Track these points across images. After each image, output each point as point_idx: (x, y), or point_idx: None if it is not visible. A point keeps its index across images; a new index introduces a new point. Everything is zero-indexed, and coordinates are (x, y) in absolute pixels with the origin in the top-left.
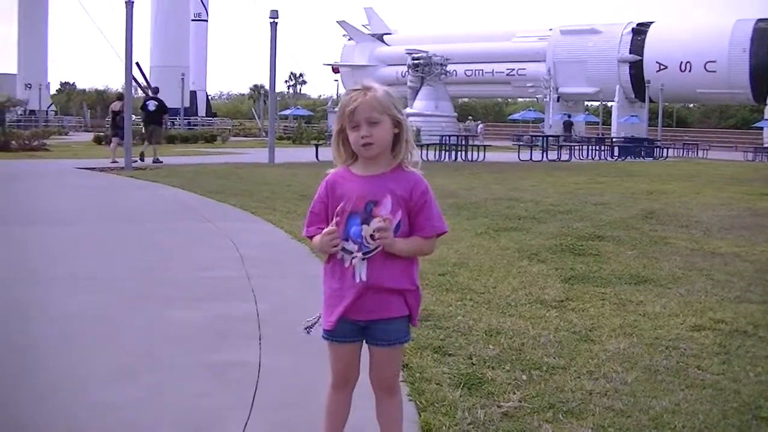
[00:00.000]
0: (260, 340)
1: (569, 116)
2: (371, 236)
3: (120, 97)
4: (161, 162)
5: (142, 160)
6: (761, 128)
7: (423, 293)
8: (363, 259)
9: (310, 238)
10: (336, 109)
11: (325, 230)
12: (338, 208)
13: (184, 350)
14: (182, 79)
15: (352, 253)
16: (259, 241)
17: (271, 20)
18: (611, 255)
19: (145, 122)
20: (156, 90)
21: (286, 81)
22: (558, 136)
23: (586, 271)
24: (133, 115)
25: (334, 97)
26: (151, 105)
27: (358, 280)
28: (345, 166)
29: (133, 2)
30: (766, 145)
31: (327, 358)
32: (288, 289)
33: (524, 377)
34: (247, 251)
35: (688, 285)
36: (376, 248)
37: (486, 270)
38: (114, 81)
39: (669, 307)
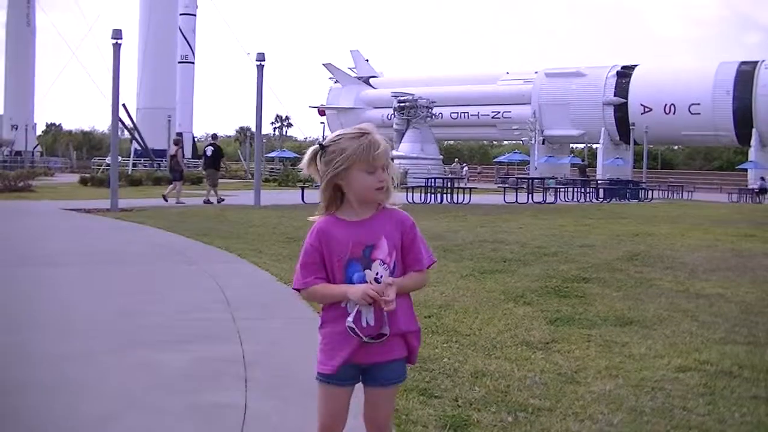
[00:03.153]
0: (246, 382)
1: (583, 160)
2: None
3: (176, 142)
4: (223, 200)
5: (206, 202)
6: (745, 170)
7: None
8: (369, 305)
9: (301, 289)
10: (331, 152)
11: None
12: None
13: (170, 393)
14: (169, 121)
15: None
16: (245, 284)
17: (258, 63)
18: (597, 297)
19: (205, 166)
20: (214, 136)
21: (272, 123)
22: (543, 179)
23: (572, 313)
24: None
25: (320, 139)
26: (209, 150)
27: (365, 325)
28: (331, 213)
29: (120, 44)
30: (750, 187)
31: (313, 401)
32: (274, 331)
33: (510, 419)
34: (233, 293)
35: (673, 326)
36: None
37: (472, 312)
38: (100, 122)
39: (654, 348)
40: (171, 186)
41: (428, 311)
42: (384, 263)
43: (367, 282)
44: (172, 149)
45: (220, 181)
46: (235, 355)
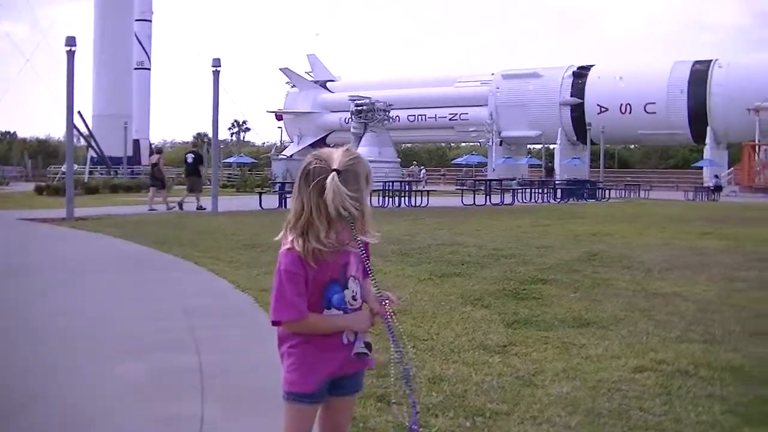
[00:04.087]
0: (203, 393)
1: (549, 163)
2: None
3: (158, 150)
4: (204, 209)
5: (180, 208)
6: (701, 168)
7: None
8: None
9: (294, 321)
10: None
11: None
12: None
13: (126, 404)
14: (125, 127)
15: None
16: (202, 292)
17: (214, 68)
18: (554, 298)
19: (186, 173)
20: (195, 144)
21: (229, 128)
22: (501, 180)
23: (529, 315)
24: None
25: (278, 144)
26: (190, 158)
27: (345, 342)
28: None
29: (74, 51)
30: (705, 185)
31: (270, 412)
32: (231, 340)
33: (468, 424)
34: (190, 302)
35: (630, 326)
36: (357, 307)
37: (429, 316)
38: (56, 130)
39: (611, 349)
40: (159, 196)
41: None
42: (356, 278)
43: (345, 302)
44: (154, 157)
45: (178, 187)
46: (192, 365)
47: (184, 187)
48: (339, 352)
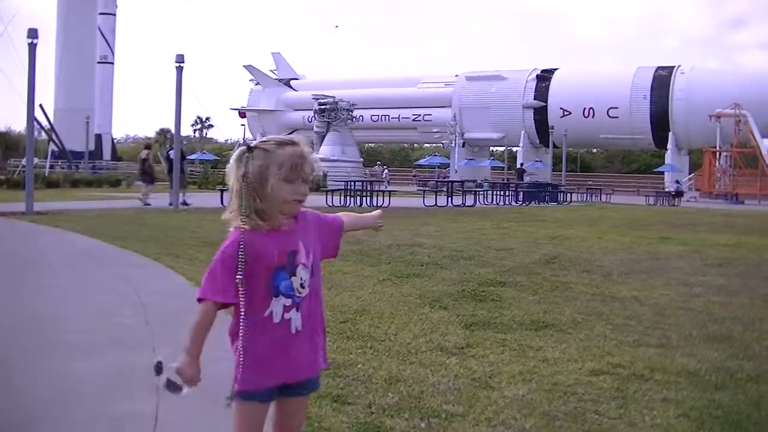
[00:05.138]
0: (158, 391)
1: (522, 164)
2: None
3: (147, 146)
4: (189, 204)
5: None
6: (662, 173)
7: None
8: (297, 311)
9: (204, 299)
10: (256, 155)
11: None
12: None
13: (80, 401)
14: (87, 122)
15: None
16: (161, 289)
17: (177, 64)
18: (512, 301)
19: (168, 169)
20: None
21: (192, 125)
22: (463, 181)
23: (487, 318)
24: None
25: (241, 141)
26: (172, 153)
27: (294, 331)
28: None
29: (35, 44)
30: (667, 190)
31: (222, 408)
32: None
33: (423, 425)
34: (148, 299)
35: (588, 330)
36: (306, 295)
37: (387, 317)
38: (17, 123)
39: (568, 352)
40: (148, 190)
41: (344, 316)
42: (306, 267)
43: (294, 289)
44: (143, 153)
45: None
46: (148, 363)
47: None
48: (284, 343)
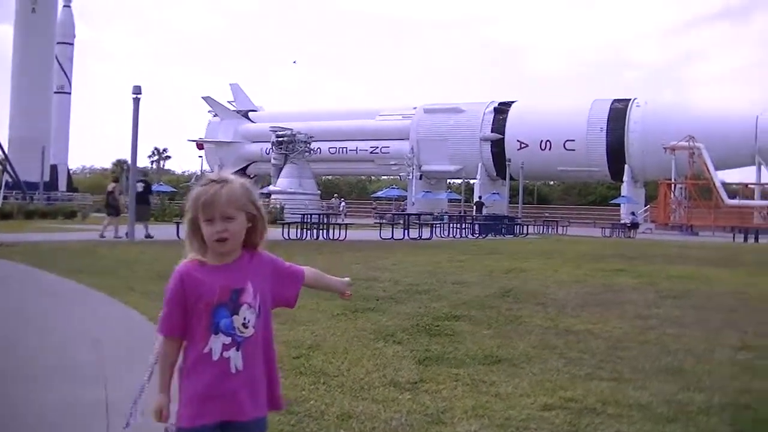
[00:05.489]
0: (108, 429)
1: (480, 197)
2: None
3: (115, 179)
4: (152, 237)
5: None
6: (618, 205)
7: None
8: (237, 350)
9: (171, 338)
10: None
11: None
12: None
13: None
14: (42, 152)
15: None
16: (114, 324)
17: (134, 96)
18: (467, 335)
19: (137, 201)
20: (144, 173)
21: (149, 156)
22: (419, 214)
23: (441, 352)
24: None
25: (199, 173)
26: (139, 186)
27: (234, 371)
28: (197, 257)
29: None
30: (622, 222)
31: None
32: (141, 375)
33: None
34: (102, 333)
35: (541, 364)
36: (249, 336)
37: (341, 352)
38: None
39: (521, 386)
40: (112, 223)
41: (297, 351)
42: (251, 307)
43: (235, 328)
44: (110, 186)
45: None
46: (98, 400)
47: (104, 214)
48: (224, 383)
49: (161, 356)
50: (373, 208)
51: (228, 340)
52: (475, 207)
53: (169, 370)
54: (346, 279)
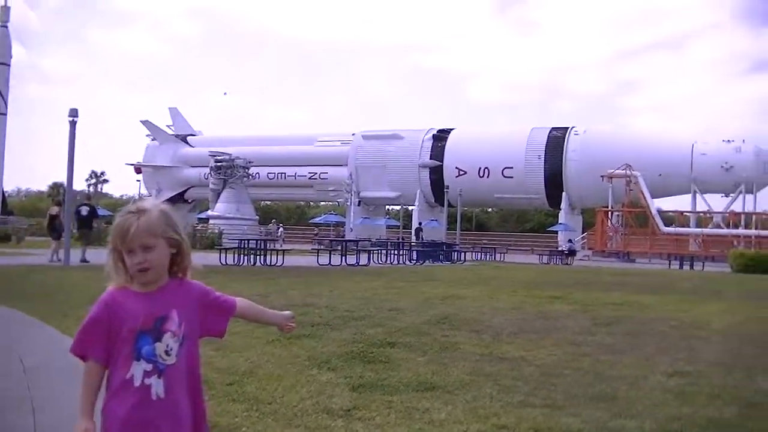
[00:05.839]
0: None
1: (420, 223)
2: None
3: (58, 203)
4: (88, 261)
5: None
6: (556, 232)
7: (209, 404)
8: (159, 378)
9: (83, 358)
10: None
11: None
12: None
13: None
14: None
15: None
16: (45, 350)
17: (71, 119)
18: (401, 362)
19: (79, 225)
20: (89, 197)
21: (86, 179)
22: (358, 240)
23: (375, 379)
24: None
25: (137, 197)
26: (84, 210)
27: (155, 398)
28: (122, 284)
29: None
30: (560, 249)
31: None
32: (71, 402)
33: None
34: (31, 360)
35: (475, 391)
36: (172, 364)
37: (275, 379)
38: None
39: (454, 414)
40: (55, 246)
41: (231, 378)
42: (175, 335)
43: (157, 355)
44: (54, 209)
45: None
46: (27, 428)
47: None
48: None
49: (83, 381)
50: (315, 234)
51: (149, 367)
52: (414, 233)
53: (91, 394)
54: (287, 313)
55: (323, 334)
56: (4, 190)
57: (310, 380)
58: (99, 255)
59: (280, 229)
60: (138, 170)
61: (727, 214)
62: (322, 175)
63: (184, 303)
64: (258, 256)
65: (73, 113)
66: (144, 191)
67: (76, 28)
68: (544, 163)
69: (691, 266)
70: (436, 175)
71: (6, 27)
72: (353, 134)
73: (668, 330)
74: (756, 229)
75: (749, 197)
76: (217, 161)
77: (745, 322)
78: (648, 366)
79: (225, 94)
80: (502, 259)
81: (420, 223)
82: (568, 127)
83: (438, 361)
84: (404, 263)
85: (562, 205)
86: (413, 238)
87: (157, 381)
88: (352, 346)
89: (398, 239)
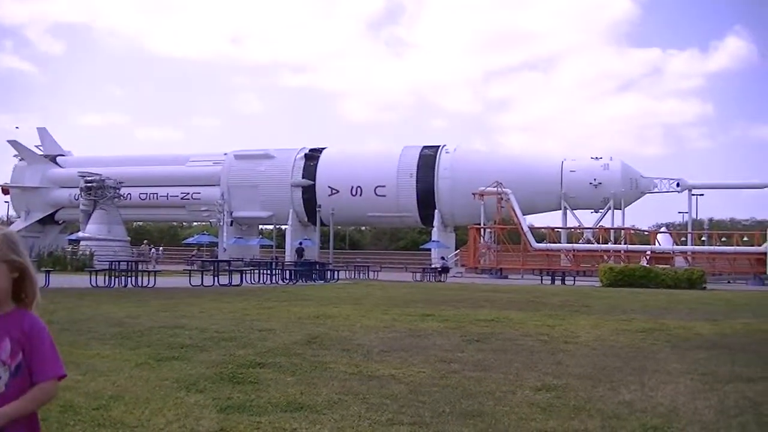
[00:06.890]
0: None
1: (301, 243)
2: None
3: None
4: None
5: None
6: (429, 249)
7: (74, 429)
8: None
9: None
10: None
11: None
12: None
13: None
14: None
15: None
16: None
17: None
18: (270, 382)
19: None
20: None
21: None
22: (230, 261)
23: (244, 400)
24: None
25: (4, 219)
26: None
27: None
28: None
29: None
30: (433, 266)
31: None
32: None
33: None
34: None
35: (343, 410)
36: (1, 394)
37: (142, 402)
38: None
39: None
40: None
41: (97, 402)
42: (5, 364)
43: None
44: None
45: None
46: None
47: None
48: None
49: None
50: (192, 255)
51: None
52: (296, 252)
53: None
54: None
55: (192, 356)
56: None
57: (178, 403)
58: None
59: (160, 251)
60: (5, 191)
61: (597, 230)
62: (195, 195)
63: (20, 335)
64: (129, 278)
65: None
66: (12, 212)
67: None
68: (416, 181)
69: (563, 281)
70: (309, 194)
71: None
72: (225, 154)
73: (537, 345)
74: (625, 243)
75: (618, 213)
76: (87, 182)
77: (612, 335)
78: (516, 381)
79: (17, 127)
80: (375, 277)
81: (300, 243)
82: (439, 146)
83: (307, 381)
84: (277, 283)
85: (435, 223)
86: (295, 257)
87: None
88: (221, 367)
89: (271, 259)
